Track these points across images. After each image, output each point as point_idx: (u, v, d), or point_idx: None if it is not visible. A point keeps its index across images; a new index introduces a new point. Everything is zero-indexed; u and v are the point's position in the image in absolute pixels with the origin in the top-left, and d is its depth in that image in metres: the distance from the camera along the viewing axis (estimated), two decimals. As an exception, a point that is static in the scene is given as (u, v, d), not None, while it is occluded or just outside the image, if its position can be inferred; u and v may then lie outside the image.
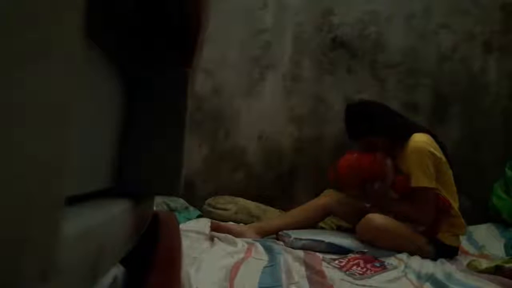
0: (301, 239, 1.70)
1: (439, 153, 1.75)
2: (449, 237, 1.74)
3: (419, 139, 1.75)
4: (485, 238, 2.00)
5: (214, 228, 1.80)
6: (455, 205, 1.78)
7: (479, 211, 2.28)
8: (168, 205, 2.07)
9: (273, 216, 2.15)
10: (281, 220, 1.95)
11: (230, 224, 1.92)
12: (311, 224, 1.96)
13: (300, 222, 1.92)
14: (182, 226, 1.87)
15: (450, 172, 1.79)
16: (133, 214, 0.47)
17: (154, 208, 0.74)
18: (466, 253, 1.84)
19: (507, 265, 1.43)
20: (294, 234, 1.75)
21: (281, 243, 1.73)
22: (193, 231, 1.73)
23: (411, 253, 1.63)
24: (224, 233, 1.75)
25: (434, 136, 1.81)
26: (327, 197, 2.00)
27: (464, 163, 2.43)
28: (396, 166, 1.82)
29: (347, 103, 2.01)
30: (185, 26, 0.50)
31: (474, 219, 2.18)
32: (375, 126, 1.82)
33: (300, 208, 2.00)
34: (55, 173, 0.19)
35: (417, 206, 1.73)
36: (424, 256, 1.63)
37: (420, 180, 1.70)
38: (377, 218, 1.71)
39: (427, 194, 1.71)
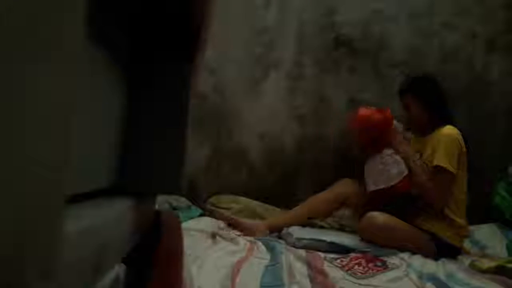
0: (303, 239, 1.70)
1: (465, 152, 1.79)
2: (451, 236, 1.74)
3: (455, 130, 1.80)
4: (487, 238, 1.99)
5: (226, 221, 1.83)
6: (461, 208, 1.78)
7: (482, 211, 2.27)
8: (170, 203, 2.08)
9: (275, 215, 2.15)
10: (294, 212, 1.96)
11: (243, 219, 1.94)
12: (326, 213, 1.96)
13: (313, 212, 1.93)
14: (184, 225, 1.89)
15: (465, 179, 1.82)
16: (134, 213, 0.47)
17: (156, 207, 0.74)
18: (468, 253, 1.84)
19: (509, 265, 1.43)
20: (296, 233, 1.75)
21: (283, 242, 1.73)
22: (196, 229, 1.74)
23: (413, 251, 1.63)
24: (236, 227, 1.78)
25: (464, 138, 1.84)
26: (342, 186, 2.00)
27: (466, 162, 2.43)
28: (418, 148, 1.85)
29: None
30: (188, 25, 0.50)
31: (476, 219, 2.17)
32: (428, 94, 1.88)
33: (314, 198, 2.00)
34: (55, 173, 0.19)
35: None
36: (426, 254, 1.62)
37: (443, 160, 1.72)
38: (379, 216, 1.71)
39: (445, 177, 1.73)
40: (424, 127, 1.87)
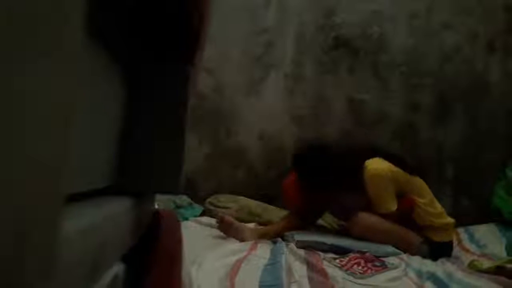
0: (303, 242, 1.68)
1: (391, 171, 1.75)
2: (445, 236, 1.76)
3: (370, 167, 1.75)
4: (487, 238, 2.00)
5: (220, 220, 1.83)
6: (437, 206, 1.80)
7: (481, 211, 2.28)
8: (174, 202, 2.10)
9: (274, 215, 2.15)
10: (283, 222, 1.95)
11: (235, 221, 1.92)
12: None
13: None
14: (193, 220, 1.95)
15: (420, 182, 1.81)
16: (133, 212, 0.48)
17: (156, 206, 0.74)
18: (467, 251, 1.84)
19: (508, 265, 1.43)
20: (297, 236, 1.74)
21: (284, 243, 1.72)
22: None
23: (404, 250, 1.66)
24: (227, 227, 1.78)
25: (387, 154, 1.81)
26: None
27: (466, 163, 2.43)
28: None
29: (294, 154, 1.97)
30: (186, 25, 0.50)
31: (476, 219, 2.18)
32: (328, 182, 1.81)
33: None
34: (55, 173, 0.19)
35: None
36: (414, 254, 1.66)
37: (387, 205, 1.73)
38: (369, 217, 1.73)
39: (391, 217, 1.74)
40: (352, 184, 1.80)
